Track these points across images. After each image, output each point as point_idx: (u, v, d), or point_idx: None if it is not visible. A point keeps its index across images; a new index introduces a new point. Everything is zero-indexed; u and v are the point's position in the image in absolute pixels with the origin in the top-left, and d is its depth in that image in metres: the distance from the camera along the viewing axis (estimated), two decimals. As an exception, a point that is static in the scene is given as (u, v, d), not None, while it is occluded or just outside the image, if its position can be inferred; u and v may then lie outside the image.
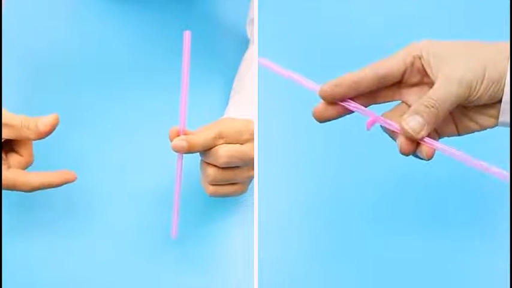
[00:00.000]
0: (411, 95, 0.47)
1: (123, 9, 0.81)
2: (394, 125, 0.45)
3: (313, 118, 0.46)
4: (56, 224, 0.63)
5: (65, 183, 0.57)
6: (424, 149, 0.43)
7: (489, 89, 0.43)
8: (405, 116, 0.43)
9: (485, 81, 0.42)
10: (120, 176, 0.66)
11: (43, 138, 0.55)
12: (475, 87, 0.42)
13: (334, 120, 0.47)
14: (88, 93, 0.72)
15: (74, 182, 0.58)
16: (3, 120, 0.53)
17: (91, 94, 0.72)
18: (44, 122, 0.54)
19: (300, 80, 0.46)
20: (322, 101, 0.46)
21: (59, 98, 0.72)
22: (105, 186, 0.65)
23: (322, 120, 0.46)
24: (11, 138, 0.55)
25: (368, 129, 0.45)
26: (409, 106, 0.46)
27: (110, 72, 0.75)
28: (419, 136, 0.43)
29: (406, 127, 0.43)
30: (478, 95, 0.43)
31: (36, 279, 0.60)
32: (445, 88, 0.43)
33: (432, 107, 0.43)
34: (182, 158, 0.55)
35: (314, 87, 0.46)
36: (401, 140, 0.44)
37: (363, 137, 0.46)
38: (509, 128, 0.45)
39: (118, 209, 0.64)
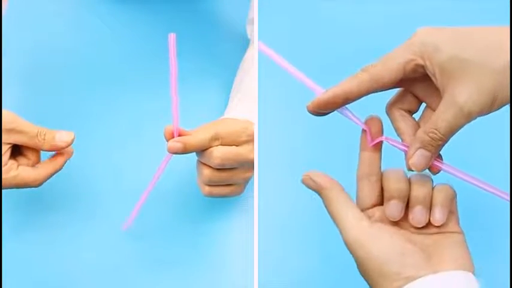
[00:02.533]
0: (416, 85, 0.45)
1: (123, 9, 0.81)
2: (401, 147, 0.44)
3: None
4: (54, 223, 0.63)
5: (67, 161, 0.58)
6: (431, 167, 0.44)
7: (500, 107, 0.41)
8: (410, 149, 0.43)
9: (496, 105, 0.40)
10: (118, 176, 0.66)
11: (55, 151, 0.57)
12: (484, 112, 0.40)
13: (334, 121, 0.47)
14: (87, 93, 0.72)
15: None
16: (18, 127, 0.55)
17: (90, 94, 0.72)
18: (62, 137, 0.56)
19: (296, 74, 0.46)
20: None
21: (59, 97, 0.72)
22: (104, 186, 0.65)
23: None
24: (23, 144, 0.56)
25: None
26: (417, 99, 0.45)
27: (110, 72, 0.75)
28: (426, 168, 0.43)
29: (412, 163, 0.42)
30: (487, 114, 0.41)
31: (35, 278, 0.60)
32: (452, 118, 0.40)
33: (439, 140, 0.41)
34: (169, 159, 0.56)
35: (313, 85, 0.45)
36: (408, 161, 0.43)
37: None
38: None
39: (117, 208, 0.64)
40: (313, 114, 0.44)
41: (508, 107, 0.43)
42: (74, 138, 0.57)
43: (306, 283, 0.60)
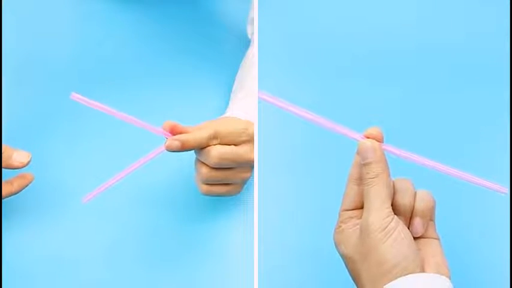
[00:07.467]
0: None
1: (123, 9, 0.81)
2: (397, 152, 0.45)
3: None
4: (52, 222, 0.63)
5: (24, 188, 0.58)
6: None
7: None
8: None
9: None
10: (114, 171, 0.66)
11: (10, 169, 0.57)
12: None
13: (334, 121, 0.47)
14: (87, 93, 0.72)
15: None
16: None
17: (90, 93, 0.72)
18: (18, 157, 0.56)
19: (300, 114, 0.47)
20: None
21: (58, 97, 0.72)
22: (99, 181, 0.65)
23: None
24: None
25: None
26: None
27: (110, 72, 0.75)
28: None
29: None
30: None
31: (34, 277, 0.60)
32: None
33: None
34: (160, 152, 0.55)
35: (316, 119, 0.46)
36: None
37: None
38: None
39: (116, 208, 0.64)
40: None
41: (508, 107, 0.43)
42: (30, 159, 0.57)
43: (306, 283, 0.60)
